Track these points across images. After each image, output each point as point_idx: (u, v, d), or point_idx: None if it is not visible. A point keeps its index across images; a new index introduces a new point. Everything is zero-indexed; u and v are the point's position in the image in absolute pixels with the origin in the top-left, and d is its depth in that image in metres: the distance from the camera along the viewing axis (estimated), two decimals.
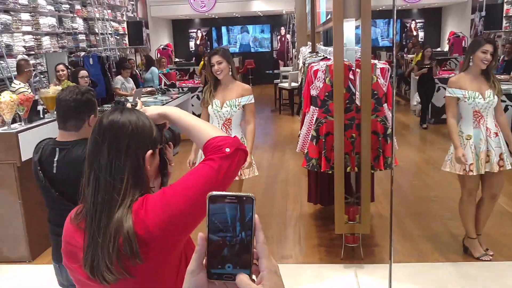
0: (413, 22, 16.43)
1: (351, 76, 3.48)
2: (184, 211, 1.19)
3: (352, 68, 3.47)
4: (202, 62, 11.07)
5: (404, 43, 15.76)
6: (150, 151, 1.26)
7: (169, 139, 1.39)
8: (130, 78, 8.06)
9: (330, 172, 3.54)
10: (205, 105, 3.47)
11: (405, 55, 11.99)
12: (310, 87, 3.62)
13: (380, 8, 14.44)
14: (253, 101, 3.52)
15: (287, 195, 5.27)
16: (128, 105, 1.43)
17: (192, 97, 8.54)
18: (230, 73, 3.43)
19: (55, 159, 2.14)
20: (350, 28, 3.59)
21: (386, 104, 3.47)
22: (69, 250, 1.28)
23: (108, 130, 1.24)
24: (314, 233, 4.27)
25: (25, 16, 7.30)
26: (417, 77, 8.66)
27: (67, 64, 7.93)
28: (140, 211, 1.19)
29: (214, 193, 0.73)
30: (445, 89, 8.39)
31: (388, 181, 5.45)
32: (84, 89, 2.23)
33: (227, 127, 3.47)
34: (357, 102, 3.29)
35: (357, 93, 3.30)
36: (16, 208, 3.74)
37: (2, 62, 6.32)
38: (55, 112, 2.20)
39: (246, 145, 3.52)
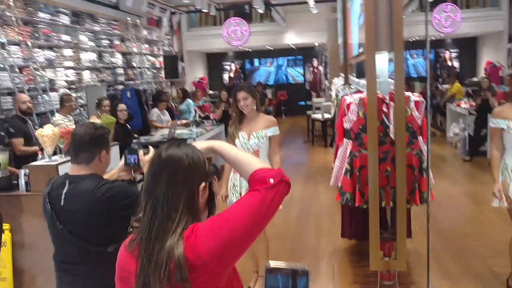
0: (448, 52, 16.25)
1: (384, 109, 3.44)
2: (232, 240, 1.26)
3: (386, 101, 3.44)
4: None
5: (438, 73, 15.56)
6: (203, 184, 1.35)
7: (214, 172, 1.47)
8: (165, 111, 8.26)
9: (365, 206, 3.47)
10: (232, 139, 3.51)
11: (439, 86, 11.81)
12: (343, 120, 3.60)
13: (414, 39, 14.38)
14: (278, 132, 3.52)
15: (321, 229, 5.19)
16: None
17: (225, 129, 8.64)
18: (255, 107, 3.46)
19: (64, 191, 2.17)
20: (382, 60, 3.58)
21: (421, 137, 3.41)
22: (123, 276, 1.36)
23: (166, 163, 1.33)
24: (349, 269, 4.17)
25: (67, 52, 7.64)
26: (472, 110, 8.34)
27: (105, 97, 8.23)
28: (190, 238, 1.26)
29: (272, 264, 0.78)
30: (483, 120, 8.14)
31: (425, 216, 5.30)
32: (98, 125, 2.31)
33: None
34: (391, 135, 3.24)
35: (391, 126, 3.26)
36: None
37: (45, 96, 6.59)
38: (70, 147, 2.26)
39: None
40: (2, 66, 5.83)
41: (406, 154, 3.31)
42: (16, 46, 6.28)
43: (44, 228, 3.79)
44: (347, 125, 3.58)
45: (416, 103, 3.38)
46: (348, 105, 3.55)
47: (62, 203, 2.16)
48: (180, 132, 7.29)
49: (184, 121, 8.15)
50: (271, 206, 1.32)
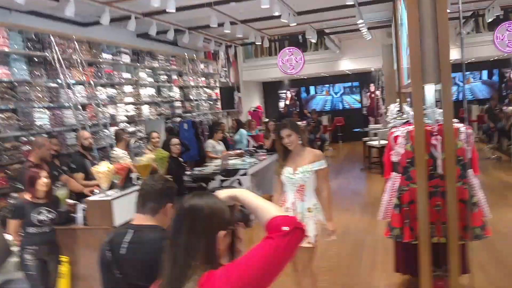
0: None
1: (434, 142, 3.34)
2: (244, 287, 1.29)
3: (434, 133, 3.34)
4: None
5: (503, 94, 14.81)
6: (223, 232, 1.41)
7: (240, 219, 1.54)
8: (221, 141, 8.43)
9: (415, 242, 3.34)
10: (278, 175, 3.53)
11: (504, 108, 11.22)
12: (391, 154, 3.53)
13: (470, 61, 13.87)
14: (324, 165, 3.48)
15: (375, 263, 5.02)
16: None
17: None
18: (300, 141, 3.46)
19: (126, 239, 2.16)
20: (431, 91, 3.49)
21: (471, 170, 3.26)
22: None
23: (188, 212, 1.41)
24: None
25: (127, 89, 8.07)
26: None
27: (164, 131, 8.56)
28: (205, 285, 1.30)
29: None
30: None
31: (484, 251, 5.00)
32: (167, 179, 2.37)
33: (301, 193, 3.46)
34: (438, 169, 3.13)
35: (438, 160, 3.15)
36: None
37: (106, 130, 6.97)
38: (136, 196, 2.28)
39: (324, 212, 3.46)
40: (67, 104, 6.25)
41: (458, 188, 3.18)
42: (81, 86, 6.73)
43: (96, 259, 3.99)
44: (394, 158, 3.49)
45: (467, 134, 3.24)
46: (396, 138, 3.47)
47: (123, 252, 2.14)
48: (234, 162, 7.42)
49: (238, 151, 8.27)
50: (284, 253, 1.34)
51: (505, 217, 6.28)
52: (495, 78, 15.86)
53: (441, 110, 3.22)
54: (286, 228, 1.35)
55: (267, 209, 1.46)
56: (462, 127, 3.34)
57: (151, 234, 2.14)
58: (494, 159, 10.77)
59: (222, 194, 1.53)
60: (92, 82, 6.83)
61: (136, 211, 2.26)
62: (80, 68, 6.59)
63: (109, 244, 2.20)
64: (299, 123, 12.57)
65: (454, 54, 12.38)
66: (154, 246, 2.07)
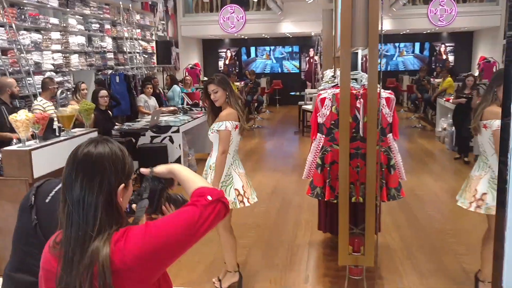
0: (443, 45, 16.19)
1: (358, 105, 3.43)
2: (161, 249, 1.26)
3: (359, 97, 3.43)
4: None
5: (433, 66, 15.52)
6: (122, 185, 1.31)
7: (173, 202, 1.53)
8: (153, 97, 8.22)
9: (335, 201, 3.48)
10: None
11: (432, 80, 11.78)
12: (317, 115, 3.59)
13: (404, 32, 14.33)
14: (224, 128, 3.32)
15: (299, 221, 5.20)
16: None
17: None
18: (227, 99, 3.39)
19: (55, 189, 2.03)
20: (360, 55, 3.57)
21: (391, 134, 3.40)
22: (48, 277, 1.32)
23: (82, 165, 1.28)
24: (321, 263, 4.19)
25: (55, 35, 7.57)
26: (454, 105, 8.10)
27: (93, 83, 8.18)
28: (119, 242, 1.24)
29: None
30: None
31: (399, 212, 5.33)
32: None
33: (211, 150, 3.46)
34: (361, 132, 3.23)
35: (361, 122, 3.25)
36: None
37: (29, 79, 6.55)
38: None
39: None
40: None
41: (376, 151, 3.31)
42: (1, 28, 6.22)
43: (15, 212, 3.81)
44: (320, 120, 3.57)
45: (387, 99, 3.36)
46: (322, 100, 3.53)
47: (47, 201, 2.02)
48: (167, 119, 7.28)
49: (171, 108, 8.12)
50: (205, 222, 1.32)
51: (422, 181, 6.70)
52: (426, 51, 16.55)
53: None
54: (209, 198, 1.34)
55: (196, 182, 1.44)
56: (383, 92, 3.45)
57: None
58: (419, 128, 11.37)
59: (159, 166, 1.48)
60: (14, 25, 6.33)
61: None
62: (0, 8, 6.07)
63: (36, 189, 2.06)
64: (237, 83, 12.51)
65: (387, 25, 12.79)
66: None
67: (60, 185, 2.02)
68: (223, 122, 3.34)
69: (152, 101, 8.02)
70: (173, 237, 1.26)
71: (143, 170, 1.49)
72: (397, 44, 16.56)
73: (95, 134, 4.75)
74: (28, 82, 6.52)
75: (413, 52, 16.68)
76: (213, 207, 1.34)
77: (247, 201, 3.43)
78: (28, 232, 1.99)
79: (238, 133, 3.42)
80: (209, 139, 3.46)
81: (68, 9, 7.90)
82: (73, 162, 1.30)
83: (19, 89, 5.13)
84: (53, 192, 2.02)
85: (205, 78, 15.56)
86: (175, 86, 8.97)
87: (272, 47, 17.76)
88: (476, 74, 13.51)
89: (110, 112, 6.41)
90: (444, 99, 9.29)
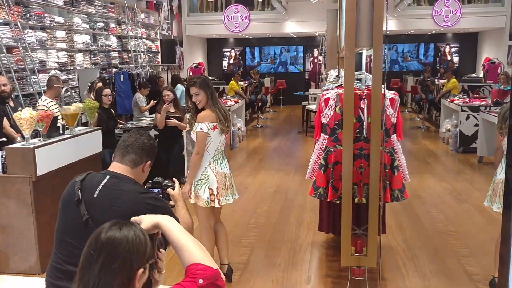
0: (448, 46, 16.14)
1: (362, 106, 3.42)
2: None
3: (364, 98, 3.42)
4: (232, 81, 11.20)
5: (438, 67, 15.47)
6: (141, 270, 1.29)
7: (162, 245, 1.48)
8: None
9: (338, 202, 3.47)
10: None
11: (436, 81, 11.74)
12: (321, 115, 3.59)
13: (409, 32, 14.29)
14: (199, 129, 3.34)
15: (302, 221, 5.20)
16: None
17: None
18: (210, 101, 3.39)
19: (102, 184, 2.06)
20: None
21: (395, 135, 3.39)
22: None
23: (104, 247, 1.27)
24: (324, 263, 4.19)
25: (60, 34, 7.59)
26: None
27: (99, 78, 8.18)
28: None
29: None
30: (475, 117, 8.11)
31: (403, 213, 5.32)
32: (152, 137, 2.30)
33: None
34: (364, 132, 3.23)
35: (365, 123, 3.24)
36: (29, 221, 3.83)
37: (34, 77, 6.57)
38: (117, 146, 2.20)
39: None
40: None
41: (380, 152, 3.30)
42: (6, 26, 6.24)
43: (19, 210, 3.82)
44: (324, 120, 3.56)
45: (391, 100, 3.35)
46: (326, 100, 3.53)
47: (95, 195, 2.03)
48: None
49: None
50: None
51: (425, 182, 6.68)
52: (431, 57, 16.50)
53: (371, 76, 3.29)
54: (201, 282, 1.30)
55: (191, 252, 1.38)
56: (388, 92, 3.44)
57: (129, 185, 2.07)
58: (423, 129, 11.34)
59: (145, 222, 1.43)
60: (19, 23, 6.36)
61: (114, 159, 2.19)
62: (6, 7, 6.10)
63: (81, 184, 2.07)
64: (241, 83, 12.50)
65: (392, 25, 12.77)
66: (130, 197, 2.02)
67: (106, 179, 2.05)
68: (199, 124, 3.37)
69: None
70: None
71: (134, 218, 1.46)
72: (400, 50, 16.54)
73: (98, 132, 4.76)
74: (33, 80, 6.54)
75: (417, 57, 16.63)
76: None
77: (218, 203, 3.42)
78: (77, 226, 2.01)
79: (219, 134, 3.43)
80: (192, 139, 3.48)
81: (73, 8, 7.92)
82: (95, 243, 1.29)
83: (11, 86, 5.00)
84: (100, 187, 2.05)
85: (210, 78, 15.57)
86: (179, 85, 8.97)
87: (278, 52, 17.70)
88: (481, 75, 13.48)
89: (113, 110, 6.42)
90: (449, 100, 9.26)
